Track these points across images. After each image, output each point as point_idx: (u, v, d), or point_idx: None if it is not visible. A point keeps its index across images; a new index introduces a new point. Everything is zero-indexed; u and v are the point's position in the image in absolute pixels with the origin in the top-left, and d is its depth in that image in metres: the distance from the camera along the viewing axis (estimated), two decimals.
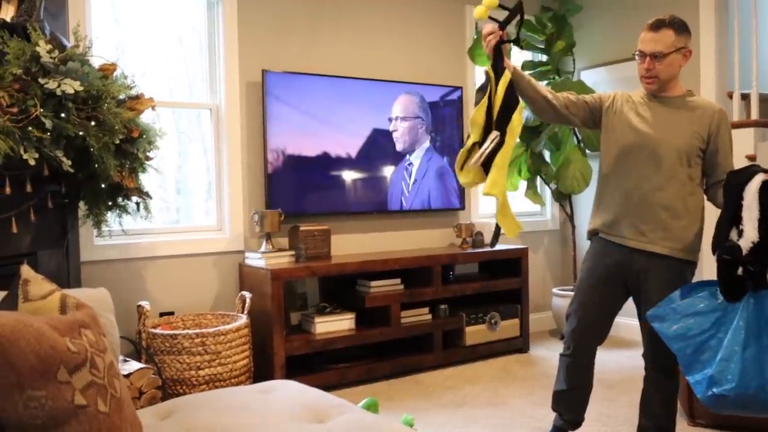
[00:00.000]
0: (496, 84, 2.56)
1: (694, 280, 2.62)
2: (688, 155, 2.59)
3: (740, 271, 2.31)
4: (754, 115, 4.32)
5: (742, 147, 4.32)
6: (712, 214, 2.59)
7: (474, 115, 2.56)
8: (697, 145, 2.59)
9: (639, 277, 2.68)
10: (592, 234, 2.83)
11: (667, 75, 2.62)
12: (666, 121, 2.64)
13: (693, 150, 2.59)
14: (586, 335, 2.82)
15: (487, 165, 2.56)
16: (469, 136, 2.60)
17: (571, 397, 2.89)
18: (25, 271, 1.67)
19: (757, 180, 2.35)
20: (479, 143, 2.57)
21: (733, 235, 2.37)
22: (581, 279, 2.85)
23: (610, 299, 2.78)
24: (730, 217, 2.40)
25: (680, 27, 2.60)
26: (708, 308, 2.37)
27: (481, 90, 2.60)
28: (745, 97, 4.46)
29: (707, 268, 3.38)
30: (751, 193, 2.34)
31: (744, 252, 2.30)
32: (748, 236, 2.31)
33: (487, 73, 2.60)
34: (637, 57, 2.67)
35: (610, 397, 3.74)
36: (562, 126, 5.05)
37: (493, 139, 2.52)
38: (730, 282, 2.32)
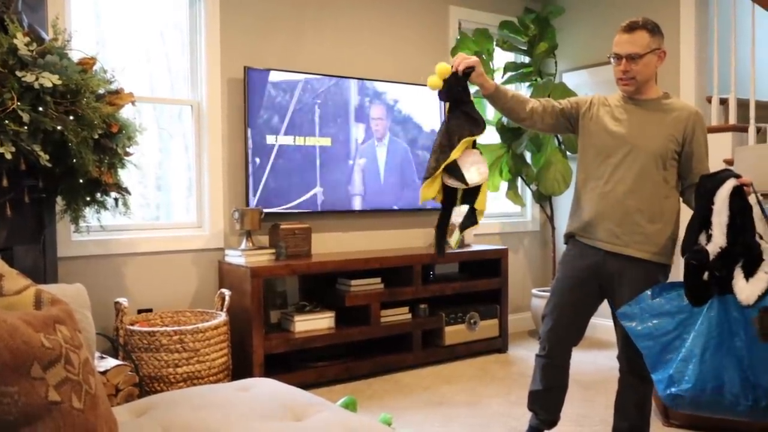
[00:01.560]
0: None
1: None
2: (663, 158, 2.61)
3: (706, 276, 2.33)
4: (732, 119, 4.36)
5: (720, 151, 4.37)
6: (687, 216, 2.60)
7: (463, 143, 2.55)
8: (672, 148, 2.61)
9: (613, 279, 2.69)
10: (569, 237, 2.85)
11: (644, 76, 2.63)
12: (641, 124, 2.65)
13: (668, 153, 2.61)
14: (561, 336, 2.84)
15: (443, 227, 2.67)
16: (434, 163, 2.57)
17: (547, 397, 2.90)
18: (0, 265, 1.65)
19: (728, 185, 2.37)
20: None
21: (702, 239, 2.39)
22: (557, 280, 2.87)
23: (585, 301, 2.80)
24: (700, 222, 2.41)
25: (654, 28, 2.62)
26: (675, 309, 2.40)
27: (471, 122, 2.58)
28: (724, 102, 4.50)
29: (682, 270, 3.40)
30: (721, 198, 2.36)
31: (711, 257, 2.32)
32: (716, 241, 2.33)
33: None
34: (612, 60, 2.68)
35: (587, 398, 3.77)
36: None
37: (463, 213, 2.60)
38: (695, 286, 2.35)
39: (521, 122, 2.82)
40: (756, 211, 2.41)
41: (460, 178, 2.53)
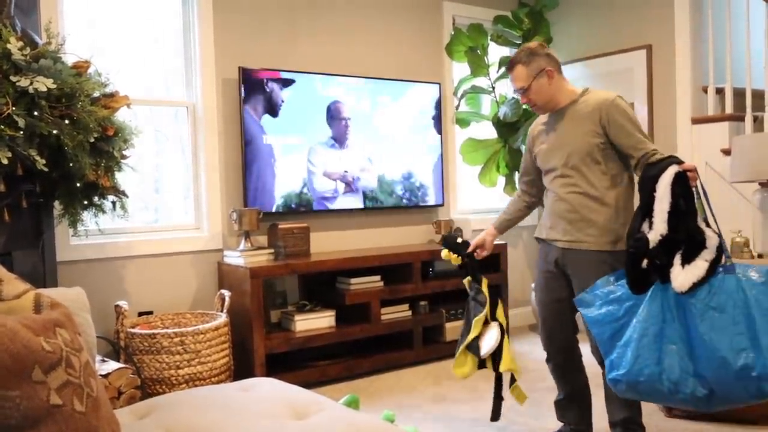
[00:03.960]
0: (481, 284, 3.01)
1: None
2: (590, 154, 2.71)
3: (645, 263, 2.35)
4: (729, 109, 4.37)
5: (717, 141, 4.38)
6: None
7: (475, 322, 2.93)
8: (595, 141, 2.70)
9: (574, 273, 2.79)
10: (537, 240, 3.01)
11: (543, 98, 2.81)
12: (562, 131, 2.80)
13: (593, 147, 2.70)
14: (551, 333, 2.93)
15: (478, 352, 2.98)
16: (462, 339, 2.98)
17: (570, 405, 2.97)
18: None
19: (670, 172, 2.40)
20: (478, 336, 2.94)
21: (645, 227, 2.41)
22: (536, 279, 3.01)
23: (559, 294, 2.88)
24: (643, 209, 2.44)
25: (528, 57, 2.78)
26: (624, 296, 2.42)
27: (479, 303, 2.97)
28: (720, 92, 4.51)
29: None
30: (663, 185, 2.38)
31: (652, 245, 2.34)
32: (657, 229, 2.36)
33: (476, 288, 3.01)
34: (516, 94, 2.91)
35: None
36: None
37: (497, 334, 2.92)
38: (635, 274, 2.38)
39: (537, 205, 3.14)
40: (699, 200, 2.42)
41: (476, 351, 2.92)
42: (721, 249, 2.31)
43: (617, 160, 2.73)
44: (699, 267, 2.27)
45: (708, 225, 2.38)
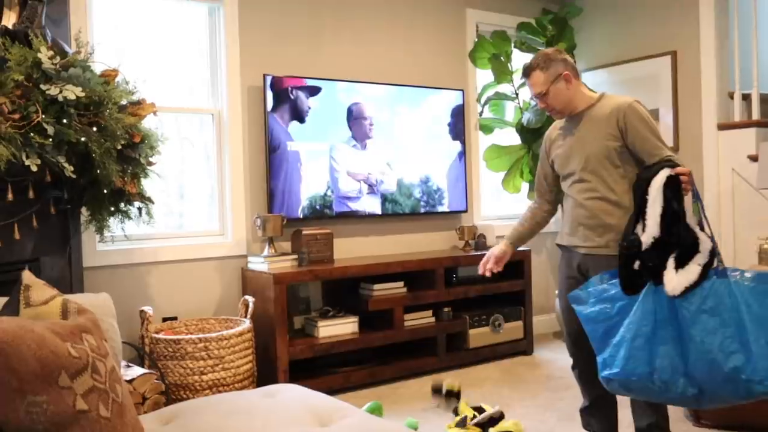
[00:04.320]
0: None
1: None
2: (608, 158, 2.70)
3: (637, 265, 2.37)
4: (756, 115, 4.32)
5: (744, 147, 4.32)
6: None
7: None
8: (612, 145, 2.68)
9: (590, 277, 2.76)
10: (559, 246, 3.00)
11: (561, 102, 2.80)
12: (580, 135, 2.78)
13: (610, 151, 2.69)
14: (575, 339, 2.90)
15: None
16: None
17: (595, 413, 2.94)
18: (27, 276, 1.68)
19: (662, 175, 2.41)
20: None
21: (639, 229, 2.43)
22: (558, 284, 3.00)
23: None
24: (637, 212, 2.47)
25: (545, 62, 2.78)
26: (617, 295, 2.42)
27: None
28: (746, 98, 4.46)
29: None
30: (655, 188, 2.40)
31: (644, 247, 2.36)
32: (650, 231, 2.37)
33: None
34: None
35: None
36: None
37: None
38: (626, 275, 2.40)
39: (554, 213, 3.13)
40: (695, 204, 2.42)
41: None
42: (713, 253, 2.32)
43: (633, 166, 2.71)
44: (692, 272, 2.28)
45: (702, 229, 2.39)
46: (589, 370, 2.89)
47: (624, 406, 2.98)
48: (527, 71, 2.83)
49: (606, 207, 2.70)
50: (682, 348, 2.27)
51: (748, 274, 2.28)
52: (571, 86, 2.79)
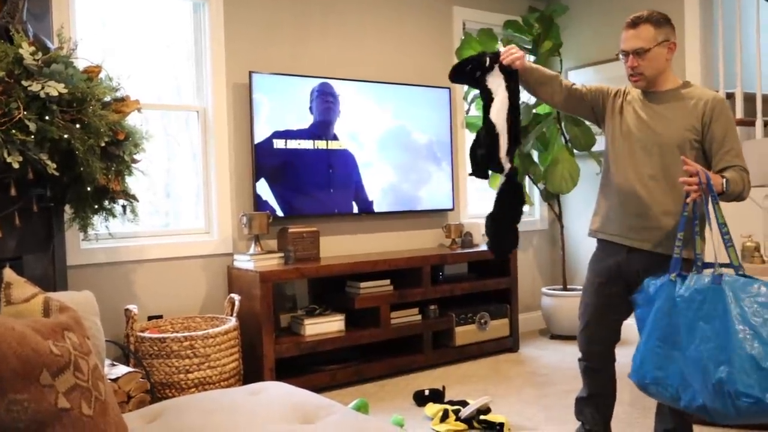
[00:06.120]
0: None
1: None
2: (681, 148, 2.53)
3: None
4: (739, 114, 4.34)
5: None
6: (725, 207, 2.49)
7: None
8: (690, 137, 2.52)
9: (639, 277, 2.58)
10: (593, 233, 2.81)
11: (653, 71, 2.58)
12: (658, 117, 2.59)
13: (686, 142, 2.52)
14: (592, 337, 2.80)
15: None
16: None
17: (590, 404, 2.86)
18: (8, 274, 1.66)
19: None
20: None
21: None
22: (586, 279, 2.83)
23: (612, 300, 2.73)
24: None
25: (660, 21, 2.55)
26: (655, 297, 2.41)
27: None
28: (730, 96, 4.48)
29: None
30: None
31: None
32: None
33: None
34: (621, 57, 2.64)
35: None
36: (549, 126, 5.06)
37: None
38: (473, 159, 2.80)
39: (543, 86, 2.78)
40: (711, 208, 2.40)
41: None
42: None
43: (702, 160, 2.55)
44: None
45: (703, 237, 2.46)
46: (597, 368, 2.83)
47: (619, 403, 2.96)
48: (636, 21, 2.56)
49: (663, 199, 2.55)
50: (686, 357, 2.24)
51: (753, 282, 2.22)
52: (670, 58, 2.60)
